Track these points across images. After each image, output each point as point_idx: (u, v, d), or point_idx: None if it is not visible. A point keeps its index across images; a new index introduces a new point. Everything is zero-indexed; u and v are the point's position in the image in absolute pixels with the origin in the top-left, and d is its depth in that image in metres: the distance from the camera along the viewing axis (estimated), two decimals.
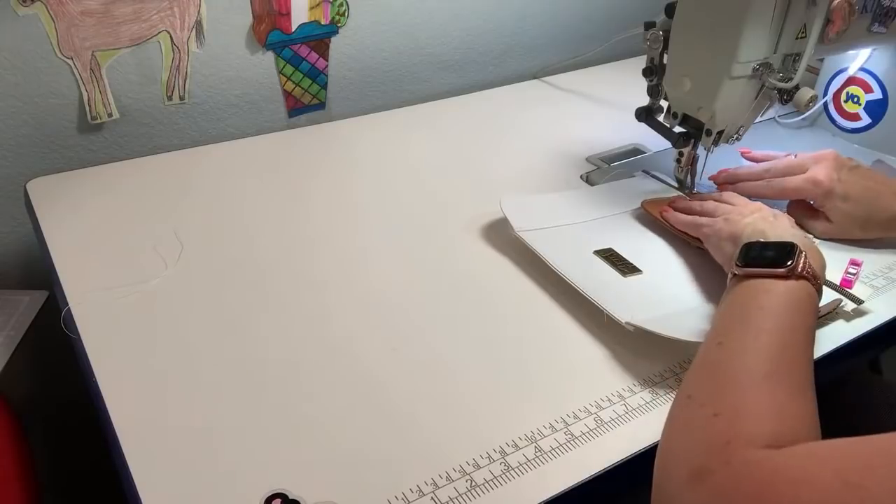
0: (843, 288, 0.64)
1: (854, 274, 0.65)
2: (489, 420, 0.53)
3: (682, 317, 0.60)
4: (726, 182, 0.76)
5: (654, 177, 0.83)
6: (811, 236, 0.65)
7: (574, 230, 0.72)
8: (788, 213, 0.71)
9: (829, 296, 0.62)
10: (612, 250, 0.68)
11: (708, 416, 0.43)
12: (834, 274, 0.64)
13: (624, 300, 0.60)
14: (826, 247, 0.68)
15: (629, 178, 0.83)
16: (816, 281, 0.52)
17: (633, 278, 0.65)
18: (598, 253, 0.68)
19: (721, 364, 0.47)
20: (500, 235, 0.72)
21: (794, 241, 0.54)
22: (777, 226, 0.59)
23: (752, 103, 0.72)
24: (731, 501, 0.37)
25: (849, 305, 0.63)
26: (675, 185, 0.80)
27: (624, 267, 0.66)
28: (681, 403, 0.47)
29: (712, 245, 0.63)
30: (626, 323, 0.57)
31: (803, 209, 0.73)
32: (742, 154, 0.81)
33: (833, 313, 0.63)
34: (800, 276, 0.51)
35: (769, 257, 0.53)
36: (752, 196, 0.71)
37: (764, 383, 0.44)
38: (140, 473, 0.47)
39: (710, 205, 0.68)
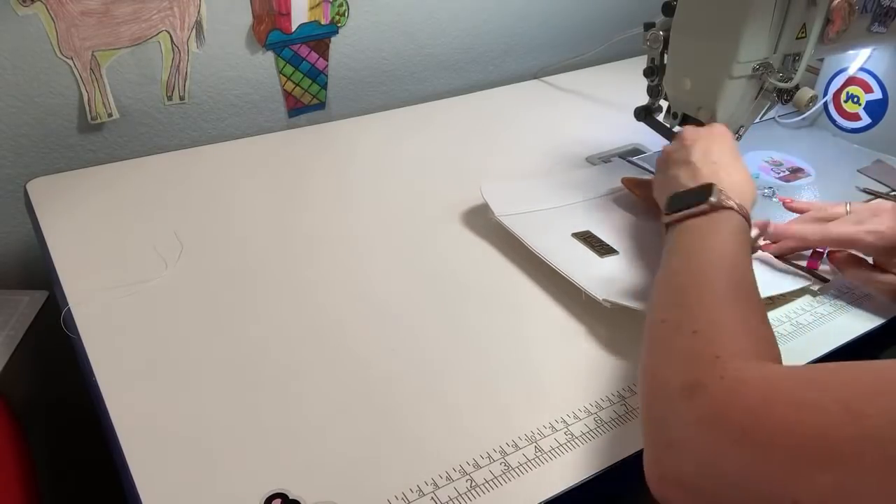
0: (809, 269, 0.67)
1: (819, 255, 0.67)
2: (489, 420, 0.53)
3: None
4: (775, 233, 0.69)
5: (631, 163, 0.86)
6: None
7: (553, 214, 0.74)
8: (837, 266, 0.66)
9: (796, 280, 0.66)
10: (590, 233, 0.71)
11: (687, 335, 0.45)
12: (800, 255, 0.69)
13: (601, 279, 0.63)
14: None
15: (607, 163, 0.86)
16: (742, 211, 0.55)
17: (609, 258, 0.67)
18: (576, 235, 0.70)
19: (683, 288, 0.50)
20: (501, 234, 0.72)
21: (711, 181, 0.57)
22: (698, 166, 0.61)
23: (752, 103, 0.72)
24: (729, 415, 0.38)
25: (815, 285, 0.66)
26: (653, 171, 0.81)
27: (601, 248, 0.69)
28: (655, 327, 0.49)
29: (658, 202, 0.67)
30: (604, 300, 0.59)
31: (857, 263, 0.65)
32: (785, 205, 0.75)
33: (801, 291, 0.66)
34: (723, 207, 0.55)
35: (690, 201, 0.56)
36: (804, 243, 0.67)
37: (728, 303, 0.47)
38: (140, 473, 0.47)
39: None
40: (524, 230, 0.69)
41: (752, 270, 0.51)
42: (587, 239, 0.70)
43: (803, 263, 0.68)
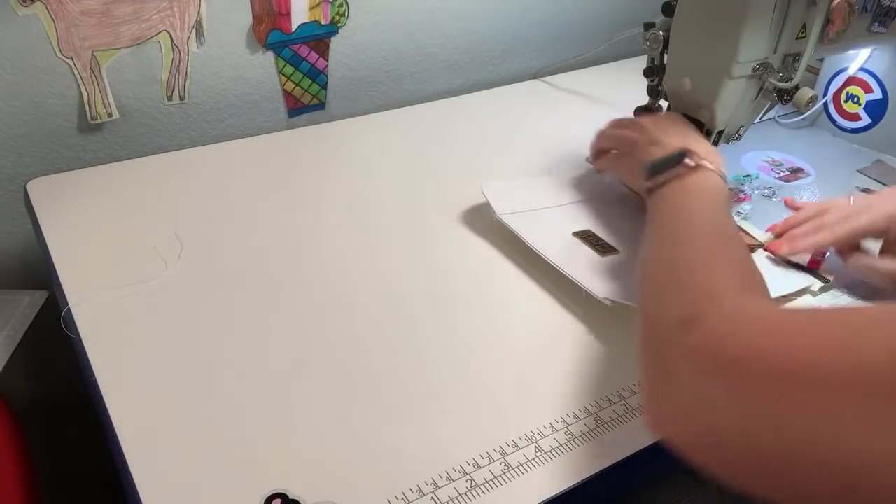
0: (811, 269, 0.67)
1: (821, 255, 0.68)
2: (489, 420, 0.53)
3: None
4: (784, 243, 0.69)
5: None
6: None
7: (554, 213, 0.74)
8: (846, 261, 0.66)
9: (797, 280, 0.66)
10: (591, 231, 0.71)
11: (684, 272, 0.47)
12: (802, 256, 0.69)
13: (602, 278, 0.63)
14: None
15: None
16: (718, 170, 0.59)
17: (610, 257, 0.67)
18: (577, 234, 0.70)
19: (676, 236, 0.52)
20: (501, 234, 0.72)
21: (682, 147, 0.61)
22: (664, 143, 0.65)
23: (752, 103, 0.72)
24: (726, 344, 0.38)
25: (816, 286, 0.66)
26: None
27: (602, 247, 0.69)
28: (651, 269, 0.51)
29: (627, 178, 0.73)
30: (604, 298, 0.60)
31: (862, 255, 0.66)
32: (787, 204, 0.76)
33: (801, 291, 0.66)
34: (700, 168, 0.58)
35: (672, 163, 0.59)
36: (820, 247, 0.67)
37: (718, 245, 0.49)
38: (140, 473, 0.47)
39: (614, 133, 0.73)
40: (525, 229, 0.69)
41: (734, 222, 0.55)
42: (588, 238, 0.70)
43: (804, 263, 0.68)
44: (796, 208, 0.74)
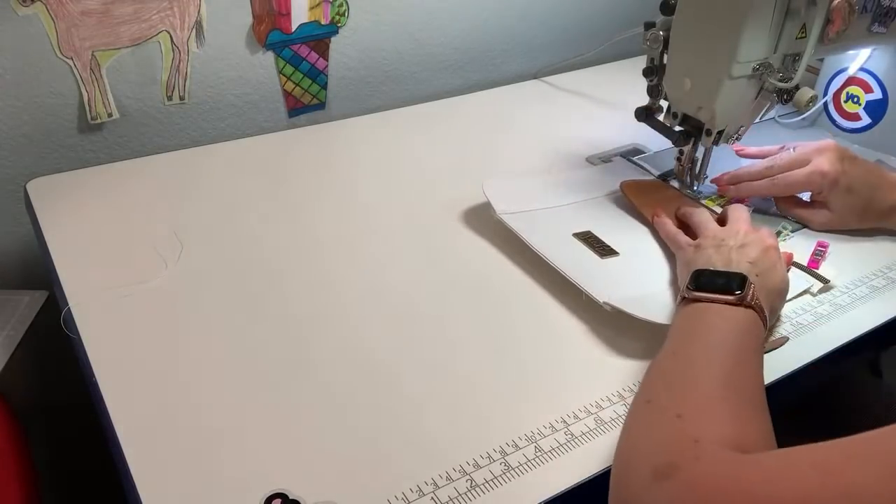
0: (810, 268, 0.67)
1: (821, 255, 0.69)
2: (489, 420, 0.53)
3: (657, 298, 0.62)
4: (729, 184, 0.76)
5: (632, 162, 0.86)
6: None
7: (554, 213, 0.74)
8: (778, 206, 0.76)
9: (796, 282, 0.64)
10: (591, 233, 0.71)
11: (671, 418, 0.43)
12: (801, 256, 0.69)
13: (601, 281, 0.63)
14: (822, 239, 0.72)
15: (608, 163, 0.86)
16: (763, 313, 0.53)
17: (610, 260, 0.67)
18: (577, 235, 0.70)
19: (678, 372, 0.48)
20: (502, 234, 0.72)
21: (745, 273, 0.54)
22: (735, 260, 0.58)
23: (752, 103, 0.72)
24: (698, 498, 0.36)
25: (815, 287, 0.66)
26: (654, 172, 0.83)
27: (601, 249, 0.69)
28: (639, 408, 0.47)
29: (679, 265, 0.64)
30: (604, 303, 0.59)
31: (794, 202, 0.75)
32: (737, 152, 0.82)
33: (801, 291, 0.66)
34: (748, 306, 0.52)
35: (719, 284, 0.54)
36: (758, 196, 0.76)
37: (722, 390, 0.45)
38: (140, 473, 0.47)
39: (702, 220, 0.67)
40: (525, 229, 0.69)
41: (760, 367, 0.50)
42: (588, 239, 0.70)
43: (804, 263, 0.68)
44: (747, 156, 0.81)
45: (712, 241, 0.61)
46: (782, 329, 0.61)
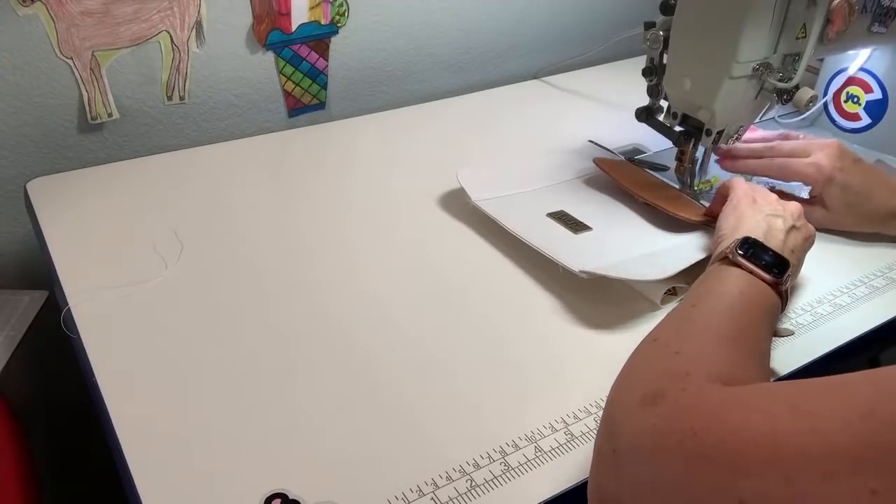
0: None
1: None
2: (489, 420, 0.53)
3: (629, 263, 0.65)
4: (727, 157, 0.77)
5: (601, 147, 0.88)
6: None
7: (528, 196, 0.77)
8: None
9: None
10: (564, 212, 0.73)
11: (670, 353, 0.45)
12: None
13: (576, 253, 0.65)
14: (822, 239, 0.70)
15: (578, 147, 0.89)
16: (786, 302, 0.55)
17: (584, 234, 0.69)
18: (551, 215, 0.73)
19: (690, 320, 0.50)
20: (502, 234, 0.72)
21: (791, 261, 0.55)
22: (786, 243, 0.59)
23: (752, 103, 0.72)
24: (681, 422, 0.37)
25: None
26: (621, 157, 0.86)
27: (575, 225, 0.71)
28: (645, 344, 0.49)
29: (731, 204, 0.64)
30: (580, 271, 0.61)
31: (792, 199, 0.74)
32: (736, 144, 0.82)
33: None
34: (780, 292, 0.54)
35: (764, 261, 0.54)
36: (752, 174, 0.77)
37: (727, 343, 0.46)
38: (140, 473, 0.47)
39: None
40: (500, 213, 0.71)
41: (769, 345, 0.51)
42: (562, 217, 0.72)
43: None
44: (748, 141, 0.80)
45: (771, 209, 0.61)
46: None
